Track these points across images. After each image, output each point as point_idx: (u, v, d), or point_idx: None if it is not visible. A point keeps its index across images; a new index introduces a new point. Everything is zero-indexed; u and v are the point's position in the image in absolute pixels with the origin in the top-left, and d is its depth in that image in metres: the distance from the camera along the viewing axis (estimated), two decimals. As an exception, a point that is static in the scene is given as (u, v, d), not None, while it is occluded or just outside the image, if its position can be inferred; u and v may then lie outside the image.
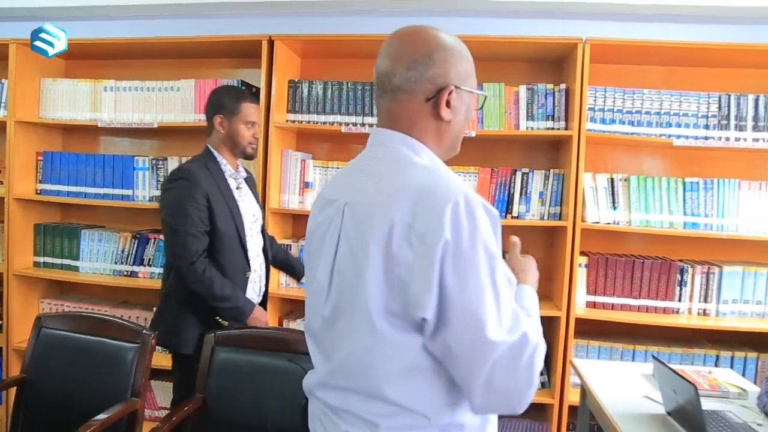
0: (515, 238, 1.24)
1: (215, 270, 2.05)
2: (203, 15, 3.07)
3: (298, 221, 3.01)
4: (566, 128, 2.60)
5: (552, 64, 2.79)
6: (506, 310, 0.94)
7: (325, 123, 2.78)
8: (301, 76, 2.92)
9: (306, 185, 2.81)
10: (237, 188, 2.21)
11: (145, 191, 2.96)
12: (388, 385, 0.97)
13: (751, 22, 2.75)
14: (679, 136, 2.59)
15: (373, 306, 0.95)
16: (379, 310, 0.95)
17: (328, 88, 2.78)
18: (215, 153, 2.19)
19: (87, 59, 3.18)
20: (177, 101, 2.92)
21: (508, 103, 2.68)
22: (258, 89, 2.90)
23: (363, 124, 2.74)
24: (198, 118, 2.86)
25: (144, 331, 2.03)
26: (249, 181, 2.34)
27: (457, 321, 0.92)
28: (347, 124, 2.75)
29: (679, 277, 2.64)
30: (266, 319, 2.23)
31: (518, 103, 2.67)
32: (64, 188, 3.05)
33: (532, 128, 2.66)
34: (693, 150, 2.67)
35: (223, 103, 2.17)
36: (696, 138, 2.60)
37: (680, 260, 2.71)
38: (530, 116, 2.67)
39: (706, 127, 2.61)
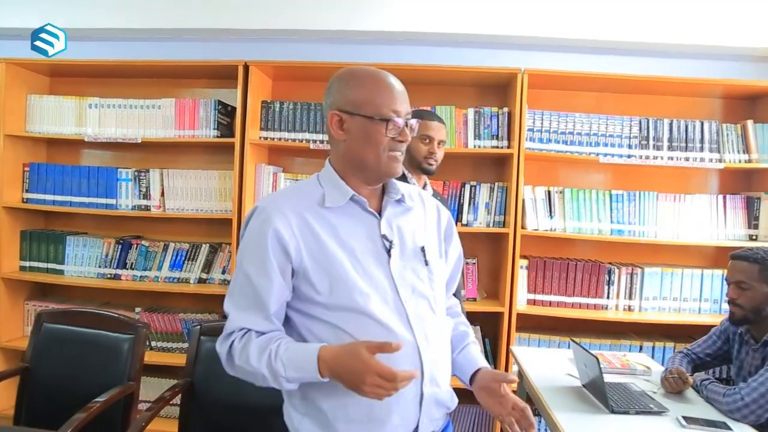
0: (394, 344, 1.16)
1: None
2: (182, 39, 3.38)
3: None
4: (508, 146, 3.02)
5: (496, 89, 3.21)
6: (236, 293, 1.30)
7: (294, 140, 3.13)
8: (272, 97, 3.26)
9: (278, 195, 3.15)
10: None
11: (128, 200, 3.25)
12: None
13: (668, 57, 3.23)
14: (605, 155, 3.04)
15: None
16: None
17: (298, 109, 3.14)
18: (403, 168, 2.31)
19: (70, 77, 3.46)
20: (158, 118, 3.21)
21: (458, 123, 3.08)
22: (234, 108, 3.25)
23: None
24: (177, 134, 3.18)
25: (138, 324, 2.34)
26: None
27: None
28: (315, 141, 3.10)
29: (607, 277, 3.08)
30: None
31: (467, 124, 3.08)
32: (50, 197, 3.30)
33: (479, 146, 3.07)
34: (618, 166, 3.12)
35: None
36: (620, 156, 3.05)
37: (608, 262, 3.15)
38: (477, 136, 3.08)
39: (629, 146, 3.07)
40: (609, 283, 3.08)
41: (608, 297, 3.09)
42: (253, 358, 1.22)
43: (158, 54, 3.29)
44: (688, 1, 3.10)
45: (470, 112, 3.07)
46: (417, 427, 1.30)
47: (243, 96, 3.05)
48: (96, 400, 2.06)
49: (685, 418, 1.78)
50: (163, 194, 3.23)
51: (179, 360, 3.05)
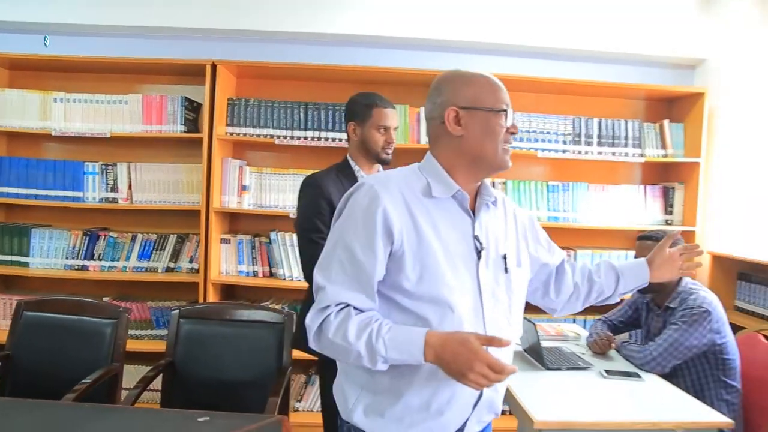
0: (505, 340, 1.21)
1: None
2: (145, 36, 3.54)
3: (236, 219, 3.58)
4: (457, 142, 3.36)
5: (447, 90, 3.55)
6: (335, 267, 1.28)
7: (259, 135, 3.36)
8: (237, 94, 3.48)
9: (243, 188, 3.38)
10: None
11: (95, 193, 3.40)
12: None
13: (599, 62, 3.66)
14: (543, 150, 3.43)
15: None
16: None
17: (262, 106, 3.37)
18: (350, 160, 2.27)
19: (32, 71, 3.55)
20: (125, 113, 3.37)
21: (412, 121, 3.40)
22: (199, 104, 3.45)
23: (293, 137, 3.35)
24: (145, 129, 3.35)
25: (120, 309, 2.55)
26: None
27: None
28: (278, 137, 3.35)
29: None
30: None
31: (420, 122, 3.40)
32: (13, 190, 3.41)
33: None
34: (554, 160, 3.53)
35: (354, 110, 2.23)
36: (556, 151, 3.46)
37: (546, 246, 3.55)
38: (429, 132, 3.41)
39: (564, 142, 3.48)
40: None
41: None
42: (351, 334, 1.22)
43: (124, 49, 3.44)
44: (618, 14, 3.53)
45: (422, 110, 3.39)
46: (464, 426, 1.36)
47: (211, 93, 3.25)
48: (82, 381, 2.19)
49: (606, 371, 2.19)
50: (130, 187, 3.40)
51: (151, 346, 3.28)
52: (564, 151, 3.47)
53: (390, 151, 2.25)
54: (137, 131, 3.36)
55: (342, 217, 1.33)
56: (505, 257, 1.39)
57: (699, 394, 2.25)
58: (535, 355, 2.33)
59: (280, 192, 3.38)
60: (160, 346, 3.05)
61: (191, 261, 3.43)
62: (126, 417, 1.73)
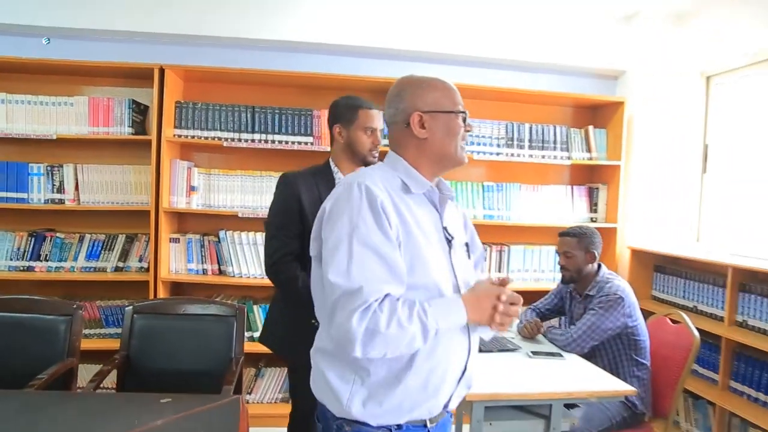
0: (507, 278, 1.42)
1: (304, 272, 2.07)
2: (90, 38, 3.58)
3: (184, 219, 3.68)
4: (400, 145, 3.59)
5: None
6: (357, 266, 1.27)
7: (207, 138, 3.49)
8: (184, 98, 3.58)
9: (192, 189, 3.50)
10: None
11: (40, 194, 3.44)
12: (317, 310, 1.47)
13: (531, 72, 3.97)
14: (479, 152, 3.71)
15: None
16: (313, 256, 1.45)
17: (210, 109, 3.49)
18: (331, 162, 2.27)
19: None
20: (71, 115, 3.42)
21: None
22: (146, 106, 3.55)
23: (240, 140, 3.49)
24: (92, 131, 3.42)
25: (74, 305, 2.64)
26: None
27: (322, 261, 1.35)
28: (226, 139, 3.48)
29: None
30: None
31: (365, 125, 3.61)
32: (-50, 192, 3.41)
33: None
34: (489, 162, 3.82)
35: (339, 112, 2.23)
36: (491, 154, 3.74)
37: (483, 243, 3.83)
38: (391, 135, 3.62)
39: (498, 146, 3.77)
40: (483, 258, 3.76)
41: (482, 270, 3.78)
42: (404, 319, 1.27)
43: (66, 52, 3.48)
44: (549, 28, 3.84)
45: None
46: (447, 403, 1.47)
47: (159, 97, 3.35)
48: (38, 377, 2.26)
49: (532, 352, 2.46)
50: (77, 188, 3.46)
51: (101, 345, 3.36)
52: (498, 154, 3.76)
53: (376, 154, 2.22)
54: (84, 133, 3.42)
55: (339, 217, 1.34)
56: (466, 245, 1.56)
57: (614, 371, 2.55)
58: (471, 340, 2.58)
59: (228, 192, 3.52)
60: (111, 345, 3.18)
61: (141, 260, 3.52)
62: (91, 401, 1.86)
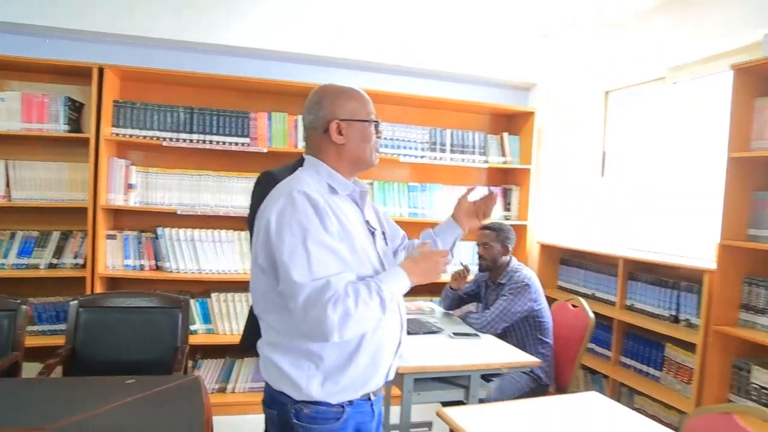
0: (425, 242, 1.75)
1: None
2: (23, 33, 3.62)
3: (121, 215, 3.78)
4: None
5: (322, 100, 4.05)
6: (317, 264, 1.41)
7: (145, 137, 3.63)
8: (121, 96, 3.69)
9: (129, 186, 3.63)
10: None
11: (-29, 191, 3.46)
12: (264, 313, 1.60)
13: (453, 81, 4.36)
14: (404, 155, 4.06)
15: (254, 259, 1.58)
16: (256, 263, 1.57)
17: (149, 109, 3.64)
18: None
19: None
20: (2, 111, 3.45)
21: (290, 128, 3.85)
22: (81, 104, 3.63)
23: (178, 139, 3.65)
24: (25, 127, 3.46)
25: (18, 301, 2.74)
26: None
27: (279, 269, 1.46)
28: (166, 139, 3.63)
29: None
30: None
31: (297, 128, 3.86)
32: None
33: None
34: (414, 164, 4.18)
35: None
36: (416, 156, 4.10)
37: (408, 239, 4.19)
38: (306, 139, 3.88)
39: (422, 149, 4.13)
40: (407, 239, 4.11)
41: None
42: (366, 296, 1.44)
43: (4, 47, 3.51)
44: (469, 42, 4.24)
45: (299, 118, 3.84)
46: (389, 373, 1.67)
47: (98, 96, 3.46)
48: None
49: (454, 333, 2.82)
50: (8, 185, 3.50)
51: (35, 342, 3.39)
52: (422, 157, 4.12)
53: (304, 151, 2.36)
54: (16, 129, 3.45)
55: (287, 226, 1.45)
56: (384, 234, 1.76)
57: (522, 348, 2.93)
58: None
59: (166, 190, 3.67)
60: (46, 341, 3.27)
61: (76, 257, 3.60)
62: (57, 386, 2.02)
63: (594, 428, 1.83)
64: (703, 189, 3.38)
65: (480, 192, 2.02)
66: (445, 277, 3.50)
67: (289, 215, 1.46)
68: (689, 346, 3.07)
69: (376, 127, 1.65)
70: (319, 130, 1.59)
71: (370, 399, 1.63)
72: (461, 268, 3.33)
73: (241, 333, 2.50)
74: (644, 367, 3.45)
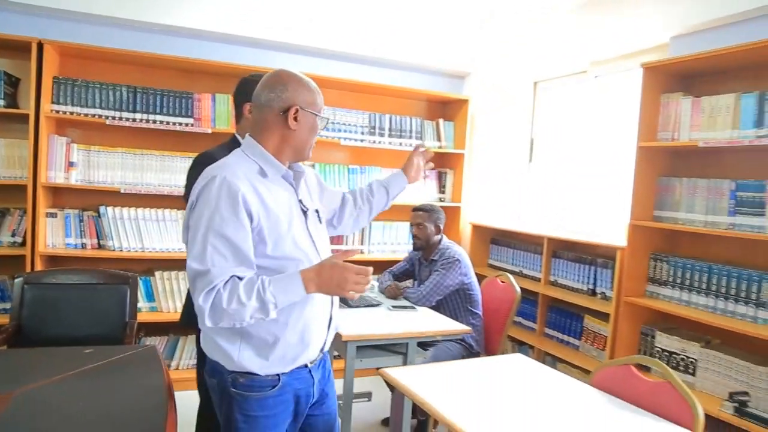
0: (352, 250, 1.90)
1: None
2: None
3: (62, 193, 3.78)
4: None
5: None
6: (210, 253, 1.48)
7: (87, 115, 3.64)
8: (60, 73, 3.67)
9: (71, 164, 3.64)
10: None
11: None
12: None
13: (392, 68, 4.56)
14: (345, 139, 4.24)
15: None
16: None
17: (90, 87, 3.65)
18: (239, 139, 2.30)
19: None
20: (-67, 85, 3.40)
21: (233, 109, 3.93)
22: (18, 79, 3.60)
23: (122, 118, 3.69)
24: (-43, 103, 3.42)
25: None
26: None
27: (187, 247, 1.57)
28: (108, 117, 3.65)
29: (347, 230, 4.32)
30: None
31: (242, 110, 3.96)
32: None
33: (252, 128, 3.99)
34: (354, 148, 4.37)
35: (251, 91, 2.35)
36: (355, 140, 4.29)
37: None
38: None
39: (362, 133, 4.32)
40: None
41: (346, 243, 4.34)
42: (243, 296, 1.47)
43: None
44: (408, 30, 4.44)
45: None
46: (323, 346, 1.76)
47: (37, 72, 3.44)
48: None
49: (392, 306, 3.06)
50: (-59, 162, 3.45)
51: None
52: (362, 140, 4.32)
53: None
54: (-55, 104, 3.40)
55: (201, 209, 1.53)
56: (317, 212, 1.81)
57: (455, 320, 3.22)
58: (342, 299, 3.11)
59: (108, 169, 3.71)
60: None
61: (14, 235, 3.59)
62: (15, 356, 2.11)
63: (517, 383, 2.10)
64: (617, 174, 3.73)
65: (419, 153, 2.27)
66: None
67: (204, 199, 1.53)
68: (604, 316, 3.43)
69: (323, 124, 1.74)
70: (275, 110, 1.63)
71: (307, 366, 1.71)
72: (392, 285, 3.39)
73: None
74: (565, 337, 3.80)
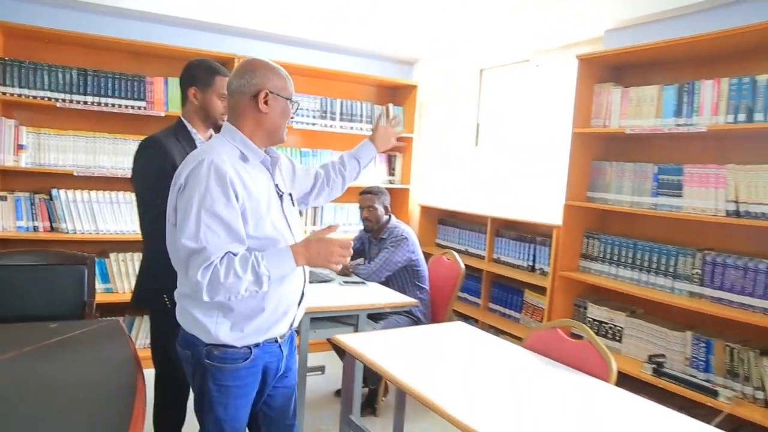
0: (333, 225, 1.77)
1: None
2: None
3: (12, 177, 3.76)
4: (229, 113, 4.11)
5: (218, 67, 4.25)
6: (204, 231, 1.58)
7: (36, 97, 3.64)
8: (7, 54, 3.64)
9: (20, 147, 3.65)
10: None
11: None
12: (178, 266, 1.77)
13: (343, 54, 4.70)
14: (297, 122, 4.37)
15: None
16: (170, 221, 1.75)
17: (38, 69, 3.65)
18: (186, 123, 2.34)
19: None
20: None
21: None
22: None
23: (72, 101, 3.71)
24: None
25: None
26: None
27: (177, 228, 1.66)
28: (58, 100, 3.67)
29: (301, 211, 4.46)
30: None
31: (195, 93, 4.04)
32: None
33: (205, 112, 4.07)
34: (306, 131, 4.51)
35: (197, 75, 2.32)
36: (308, 124, 4.43)
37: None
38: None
39: (314, 117, 4.46)
40: (300, 214, 4.46)
41: (305, 224, 4.49)
42: (240, 270, 1.59)
43: None
44: (359, 18, 4.57)
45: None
46: (293, 323, 1.88)
47: (-18, 53, 3.43)
48: None
49: (343, 281, 3.24)
50: None
51: None
52: (314, 124, 4.46)
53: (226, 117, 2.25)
54: None
55: (191, 191, 1.63)
56: (290, 195, 1.94)
57: (403, 293, 3.44)
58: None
59: (60, 152, 3.73)
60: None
61: (-39, 217, 3.59)
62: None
63: (458, 347, 2.31)
64: (555, 158, 4.00)
65: (391, 112, 2.41)
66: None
67: (194, 181, 1.62)
68: (542, 290, 3.69)
69: (294, 108, 1.83)
70: (247, 96, 1.73)
71: (277, 341, 1.84)
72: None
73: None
74: (507, 311, 4.08)
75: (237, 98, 1.75)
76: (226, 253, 1.61)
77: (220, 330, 1.71)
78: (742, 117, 2.65)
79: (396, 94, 4.94)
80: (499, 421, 1.61)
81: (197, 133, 2.34)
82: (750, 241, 2.80)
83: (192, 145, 2.28)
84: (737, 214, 2.67)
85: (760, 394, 2.58)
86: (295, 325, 1.93)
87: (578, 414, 1.71)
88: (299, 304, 1.89)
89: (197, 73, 2.32)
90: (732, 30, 2.58)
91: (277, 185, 1.84)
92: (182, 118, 2.36)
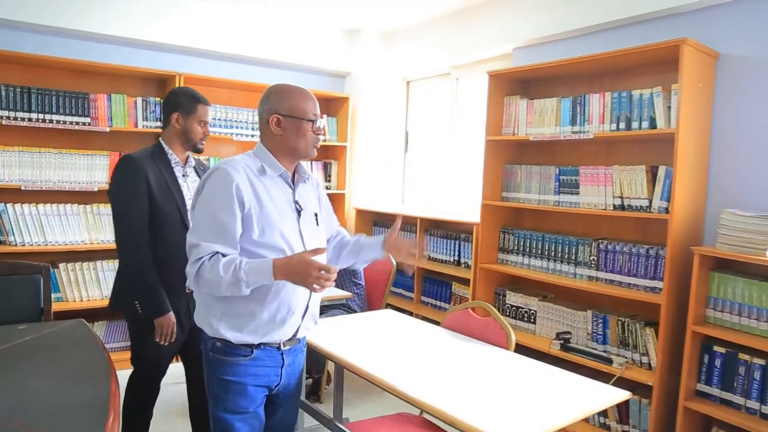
0: (321, 248, 1.74)
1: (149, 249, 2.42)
2: None
3: (-44, 193, 3.92)
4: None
5: (159, 83, 4.50)
6: (204, 230, 1.74)
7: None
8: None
9: (-34, 164, 3.80)
10: (183, 176, 2.57)
11: None
12: None
13: (279, 69, 5.02)
14: (237, 134, 4.67)
15: None
16: None
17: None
18: (164, 145, 2.54)
19: None
20: None
21: (129, 108, 4.25)
22: None
23: (17, 118, 3.87)
24: None
25: None
26: (202, 171, 2.66)
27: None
28: (2, 117, 3.81)
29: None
30: (172, 324, 2.47)
31: (136, 109, 4.28)
32: None
33: (147, 126, 4.31)
34: (245, 143, 4.80)
35: (181, 102, 2.53)
36: (246, 136, 4.73)
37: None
38: (145, 118, 4.31)
39: (253, 129, 4.77)
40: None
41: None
42: (221, 270, 1.69)
43: None
44: (293, 35, 4.92)
45: (138, 99, 4.27)
46: (296, 333, 1.93)
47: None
48: None
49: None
50: None
51: None
52: (252, 136, 4.77)
53: (204, 142, 2.61)
54: None
55: (204, 195, 1.80)
56: (315, 215, 2.01)
57: (341, 289, 3.81)
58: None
59: (6, 167, 3.89)
60: None
61: None
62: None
63: (387, 330, 2.70)
64: (474, 162, 4.46)
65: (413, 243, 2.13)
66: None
67: (208, 187, 1.80)
68: (467, 282, 4.13)
69: (314, 124, 1.89)
70: (263, 121, 1.89)
71: (280, 348, 1.92)
72: None
73: (93, 299, 2.89)
74: (438, 302, 4.50)
75: (260, 123, 1.93)
76: (216, 252, 1.73)
77: (221, 326, 1.84)
78: (622, 125, 3.16)
79: (330, 105, 5.31)
80: (423, 385, 2.00)
81: (173, 154, 2.54)
82: (633, 229, 3.33)
83: (168, 165, 2.51)
84: (622, 207, 3.17)
85: (645, 360, 3.09)
86: (300, 335, 2.00)
87: (484, 376, 2.13)
88: (303, 316, 1.95)
89: (181, 100, 2.54)
90: (615, 52, 3.07)
91: (297, 201, 1.93)
92: (161, 140, 2.56)
